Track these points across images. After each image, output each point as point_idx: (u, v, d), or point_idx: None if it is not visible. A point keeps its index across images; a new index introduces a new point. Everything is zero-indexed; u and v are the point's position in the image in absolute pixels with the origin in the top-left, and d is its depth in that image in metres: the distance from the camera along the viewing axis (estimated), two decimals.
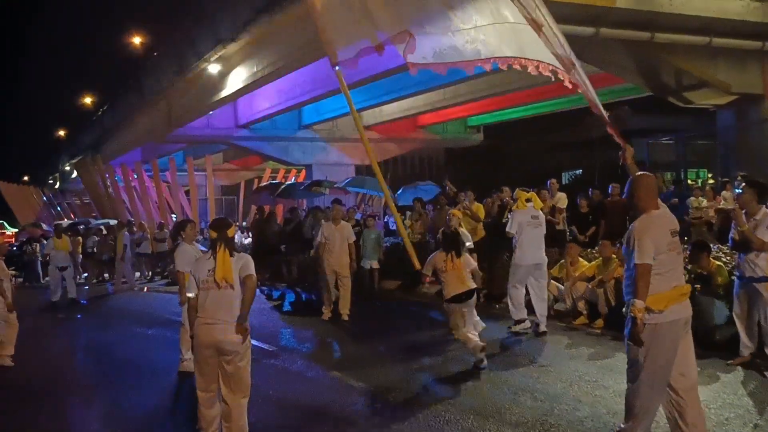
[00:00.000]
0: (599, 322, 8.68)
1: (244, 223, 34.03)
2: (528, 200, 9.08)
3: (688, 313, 4.40)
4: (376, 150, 31.06)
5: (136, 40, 34.00)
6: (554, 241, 11.03)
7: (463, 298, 7.24)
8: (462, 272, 7.28)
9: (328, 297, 10.77)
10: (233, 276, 5.06)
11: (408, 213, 14.41)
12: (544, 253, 9.00)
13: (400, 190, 17.51)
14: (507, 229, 9.08)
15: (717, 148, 17.89)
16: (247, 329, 5.13)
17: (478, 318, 8.21)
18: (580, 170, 42.53)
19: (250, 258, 5.27)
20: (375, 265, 12.95)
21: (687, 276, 7.31)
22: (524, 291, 8.92)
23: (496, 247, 11.10)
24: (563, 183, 34.63)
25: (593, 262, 9.20)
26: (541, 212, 9.29)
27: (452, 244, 7.44)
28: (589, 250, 10.09)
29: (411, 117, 28.58)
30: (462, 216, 11.91)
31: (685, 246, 8.79)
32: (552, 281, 9.49)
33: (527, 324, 8.80)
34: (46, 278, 17.84)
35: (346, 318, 10.41)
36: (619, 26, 13.10)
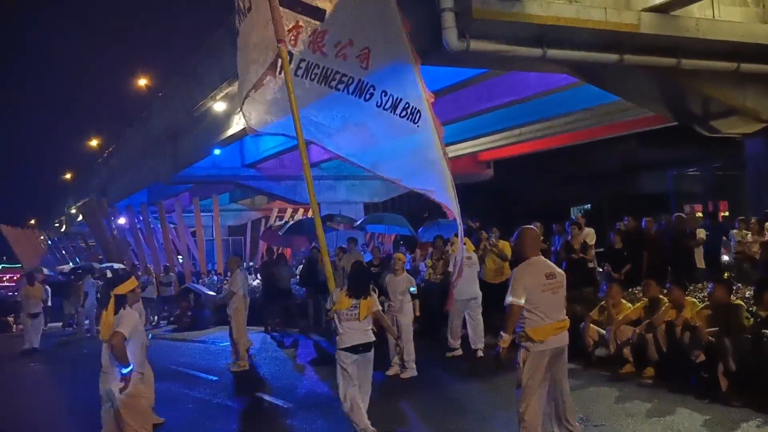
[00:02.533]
0: (649, 371, 7.90)
1: (251, 264, 33.51)
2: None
3: (565, 342, 5.33)
4: (385, 188, 30.59)
5: (142, 81, 33.93)
6: (586, 280, 10.35)
7: (360, 349, 6.31)
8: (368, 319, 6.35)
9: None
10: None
11: (429, 251, 13.73)
12: (478, 288, 10.37)
13: (420, 229, 16.84)
14: (448, 269, 10.43)
15: (745, 178, 17.21)
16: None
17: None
18: (589, 204, 41.97)
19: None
20: None
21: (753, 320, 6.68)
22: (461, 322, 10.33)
23: None
24: (572, 217, 34.02)
25: (638, 304, 8.47)
26: (474, 254, 10.62)
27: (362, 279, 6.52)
28: (630, 289, 9.35)
29: None
30: (489, 253, 11.31)
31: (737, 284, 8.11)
32: (592, 325, 8.75)
33: (459, 352, 10.27)
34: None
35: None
36: (644, 52, 12.49)
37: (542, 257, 5.48)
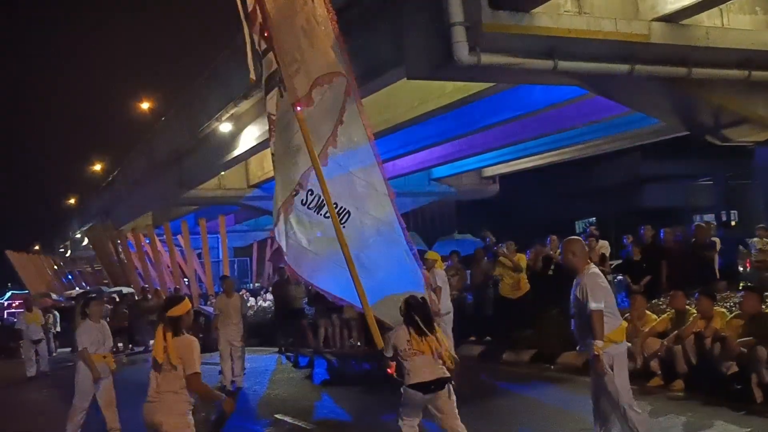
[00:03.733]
0: (678, 384, 7.76)
1: (257, 285, 33.33)
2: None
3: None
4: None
5: (145, 105, 33.97)
6: None
7: (429, 388, 5.66)
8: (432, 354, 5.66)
9: None
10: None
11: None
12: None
13: (436, 244, 16.74)
14: (437, 284, 10.17)
15: (755, 186, 17.15)
16: None
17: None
18: (594, 218, 41.88)
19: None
20: None
21: None
22: None
23: (542, 302, 10.28)
24: (577, 232, 33.94)
25: (664, 316, 8.35)
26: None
27: (423, 319, 5.69)
28: (654, 301, 9.21)
29: (425, 170, 28.01)
30: (504, 268, 11.21)
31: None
32: None
33: None
34: None
35: None
36: (655, 62, 12.42)
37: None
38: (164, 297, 19.21)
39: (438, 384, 5.65)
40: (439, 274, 10.99)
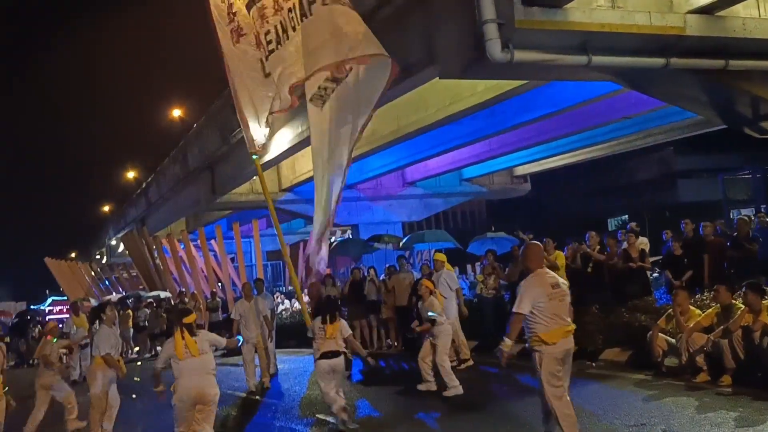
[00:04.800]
0: (726, 379, 7.63)
1: (291, 287, 33.46)
2: None
3: (571, 345, 5.92)
4: (422, 206, 30.48)
5: (177, 113, 34.38)
6: (645, 289, 10.12)
7: (329, 356, 7.99)
8: (336, 337, 8.05)
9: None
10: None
11: (478, 266, 13.58)
12: None
13: (472, 243, 16.69)
14: (456, 286, 11.11)
15: None
16: None
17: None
18: (626, 215, 41.46)
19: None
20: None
21: None
22: None
23: (581, 300, 10.16)
24: (610, 229, 33.60)
25: (709, 311, 8.22)
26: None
27: (329, 309, 8.30)
28: (699, 296, 9.09)
29: (456, 170, 27.96)
30: None
31: None
32: (660, 334, 8.52)
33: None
34: None
35: None
36: (691, 55, 12.25)
37: (546, 269, 6.05)
38: (201, 301, 19.45)
39: (335, 354, 8.03)
40: (450, 276, 11.38)
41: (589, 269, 11.19)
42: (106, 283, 40.96)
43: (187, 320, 6.83)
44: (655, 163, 42.36)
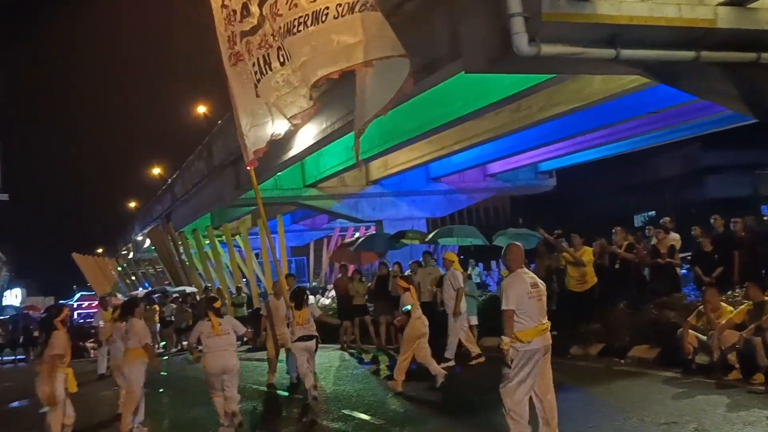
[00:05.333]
0: (759, 377, 7.51)
1: (314, 284, 33.60)
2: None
3: (548, 342, 6.05)
4: (446, 202, 30.38)
5: (201, 109, 34.60)
6: (674, 286, 9.98)
7: (304, 339, 9.54)
8: (308, 321, 9.62)
9: None
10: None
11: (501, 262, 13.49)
12: None
13: (496, 238, 16.54)
14: (459, 285, 11.24)
15: None
16: None
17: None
18: (653, 212, 41.00)
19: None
20: (473, 321, 12.06)
21: None
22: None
23: (610, 295, 10.08)
24: (635, 225, 33.24)
25: (741, 307, 8.09)
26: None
27: (298, 298, 9.81)
28: (729, 292, 8.94)
29: (481, 166, 27.82)
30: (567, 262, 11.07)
31: None
32: (690, 331, 8.39)
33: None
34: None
35: None
36: (721, 48, 12.03)
37: (526, 269, 6.32)
38: (226, 297, 19.56)
39: (309, 338, 9.61)
40: (457, 276, 11.49)
41: (616, 265, 11.07)
42: (133, 278, 41.39)
43: (216, 305, 8.68)
44: (682, 158, 41.83)
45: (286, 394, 10.51)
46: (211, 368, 8.14)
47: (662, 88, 14.29)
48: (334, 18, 7.58)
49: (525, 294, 5.93)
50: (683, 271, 13.09)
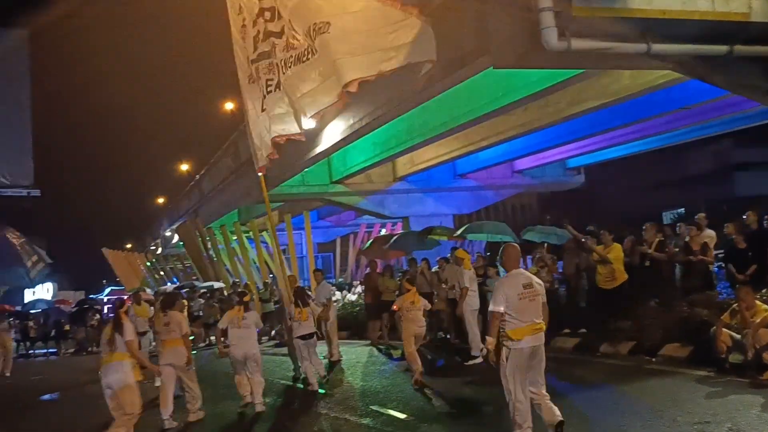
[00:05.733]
0: None
1: (340, 280, 33.65)
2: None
3: (540, 341, 6.20)
4: (473, 198, 30.24)
5: (230, 105, 34.80)
6: (707, 283, 9.83)
7: (306, 337, 10.43)
8: (307, 319, 10.49)
9: None
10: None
11: (530, 258, 13.42)
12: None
13: (525, 234, 16.41)
14: (465, 284, 11.50)
15: None
16: None
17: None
18: (683, 209, 40.47)
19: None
20: None
21: None
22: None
23: (640, 292, 9.95)
24: (664, 223, 32.83)
25: None
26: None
27: (299, 297, 10.68)
28: (764, 290, 8.79)
29: (508, 162, 27.65)
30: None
31: None
32: (724, 330, 8.26)
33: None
34: None
35: None
36: (756, 42, 11.83)
37: (522, 270, 6.51)
38: (254, 292, 19.67)
39: (309, 336, 10.50)
40: (467, 274, 11.61)
41: (646, 263, 10.94)
42: (161, 273, 41.82)
43: (245, 299, 9.95)
44: (712, 155, 41.26)
45: (313, 388, 10.50)
46: (236, 355, 9.33)
47: (693, 84, 14.08)
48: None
49: (515, 294, 6.10)
50: (714, 268, 12.87)
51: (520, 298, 6.10)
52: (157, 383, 9.67)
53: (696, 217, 10.86)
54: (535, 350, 6.16)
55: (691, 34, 10.64)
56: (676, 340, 9.52)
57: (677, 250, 10.77)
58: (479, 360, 10.83)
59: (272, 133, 11.05)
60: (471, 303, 11.54)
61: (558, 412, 6.11)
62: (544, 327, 6.26)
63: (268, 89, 10.43)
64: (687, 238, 10.61)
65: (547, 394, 6.20)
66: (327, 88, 8.97)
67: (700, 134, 24.25)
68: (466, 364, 11.21)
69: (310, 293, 13.30)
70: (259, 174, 12.00)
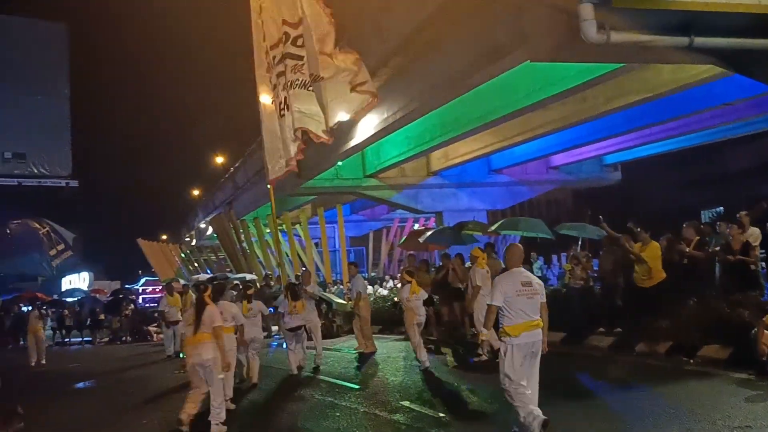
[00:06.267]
0: None
1: (373, 274, 33.62)
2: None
3: (537, 338, 6.39)
4: (507, 194, 29.97)
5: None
6: (750, 283, 9.56)
7: (295, 329, 11.70)
8: (302, 311, 11.78)
9: None
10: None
11: (564, 255, 13.20)
12: None
13: (561, 231, 16.21)
14: (476, 283, 11.63)
15: None
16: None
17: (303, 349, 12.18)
18: (722, 207, 39.65)
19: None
20: None
21: None
22: None
23: (679, 291, 9.72)
24: (702, 221, 32.18)
25: None
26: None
27: (292, 292, 11.96)
28: None
29: (543, 158, 27.33)
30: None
31: None
32: (766, 332, 8.03)
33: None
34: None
35: None
36: None
37: (522, 268, 6.67)
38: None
39: (297, 328, 11.73)
40: (480, 273, 11.60)
41: (684, 261, 10.69)
42: (195, 264, 42.20)
43: (249, 292, 11.49)
44: (753, 152, 40.30)
45: (345, 383, 10.48)
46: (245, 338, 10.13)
47: (736, 79, 13.74)
48: None
49: (513, 291, 6.35)
50: (763, 269, 12.47)
51: (518, 295, 6.34)
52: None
53: (738, 215, 10.54)
54: (532, 346, 6.36)
55: (735, 27, 10.35)
56: (716, 341, 9.28)
57: (717, 249, 10.49)
58: (485, 357, 10.79)
59: (296, 124, 12.40)
60: (483, 302, 11.35)
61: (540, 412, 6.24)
62: (542, 324, 6.45)
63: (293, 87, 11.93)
64: (729, 237, 10.31)
65: (535, 392, 6.36)
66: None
67: (741, 131, 23.70)
68: (471, 361, 11.33)
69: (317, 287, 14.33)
70: (268, 186, 13.66)
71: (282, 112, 12.56)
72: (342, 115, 11.61)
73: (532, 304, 6.40)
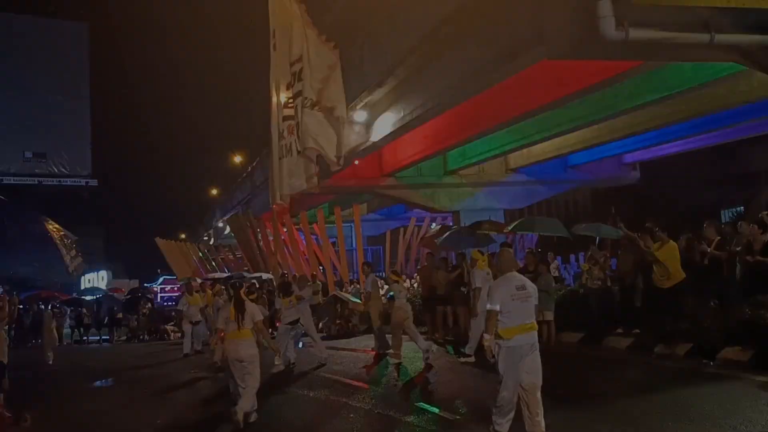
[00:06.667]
0: None
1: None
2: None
3: (532, 341, 6.47)
4: (525, 193, 29.78)
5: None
6: None
7: (290, 323, 12.63)
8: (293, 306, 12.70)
9: None
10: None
11: (581, 255, 13.06)
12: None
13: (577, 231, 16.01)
14: (476, 284, 11.45)
15: None
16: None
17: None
18: (742, 207, 39.17)
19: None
20: (549, 316, 11.68)
21: None
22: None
23: (699, 293, 9.56)
24: (723, 221, 31.78)
25: None
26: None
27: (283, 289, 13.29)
28: None
29: (561, 156, 27.09)
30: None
31: None
32: None
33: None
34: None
35: None
36: None
37: (516, 273, 6.77)
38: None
39: (294, 322, 12.67)
40: (479, 275, 11.44)
41: (705, 261, 10.51)
42: (213, 263, 42.37)
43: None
44: None
45: (360, 384, 10.41)
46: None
47: (758, 76, 13.52)
48: None
49: (509, 296, 6.46)
50: None
51: (513, 299, 6.45)
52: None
53: (760, 214, 10.34)
54: (528, 348, 6.44)
55: (758, 24, 10.17)
56: (737, 343, 9.11)
57: (738, 249, 10.30)
58: (471, 359, 11.25)
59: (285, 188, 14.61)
60: (480, 305, 11.20)
61: (543, 427, 6.29)
62: (536, 327, 6.60)
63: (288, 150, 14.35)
64: (751, 237, 10.12)
65: (540, 400, 6.35)
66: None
67: (764, 130, 23.35)
68: (460, 360, 11.54)
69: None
70: (273, 207, 14.96)
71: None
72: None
73: (526, 307, 6.51)
